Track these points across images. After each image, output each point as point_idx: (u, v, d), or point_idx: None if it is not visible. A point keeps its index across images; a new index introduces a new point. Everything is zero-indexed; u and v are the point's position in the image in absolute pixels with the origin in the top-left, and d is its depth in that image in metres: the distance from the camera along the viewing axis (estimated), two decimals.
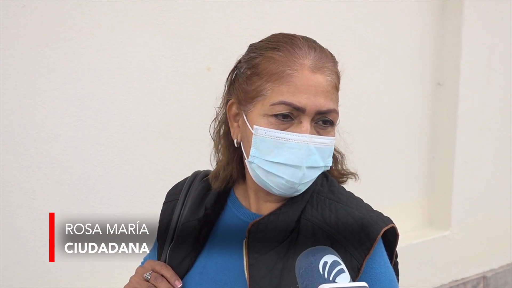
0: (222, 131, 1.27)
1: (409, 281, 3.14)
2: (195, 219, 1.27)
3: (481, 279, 3.69)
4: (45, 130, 2.13)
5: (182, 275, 1.25)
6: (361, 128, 3.06)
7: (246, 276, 1.14)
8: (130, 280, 1.28)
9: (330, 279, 0.91)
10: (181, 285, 1.23)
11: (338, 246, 1.10)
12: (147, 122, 2.35)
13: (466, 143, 3.45)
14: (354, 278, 1.09)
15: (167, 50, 2.36)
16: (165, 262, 1.29)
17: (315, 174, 1.16)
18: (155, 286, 1.23)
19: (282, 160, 1.12)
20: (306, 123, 1.11)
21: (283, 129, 1.12)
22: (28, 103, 2.09)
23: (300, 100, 1.10)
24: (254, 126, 1.14)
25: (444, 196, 3.49)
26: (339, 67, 1.20)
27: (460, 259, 3.56)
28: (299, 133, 1.11)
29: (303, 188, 1.16)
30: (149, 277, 1.25)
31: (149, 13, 2.30)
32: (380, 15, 3.08)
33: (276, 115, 1.12)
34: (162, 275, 1.24)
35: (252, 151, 1.15)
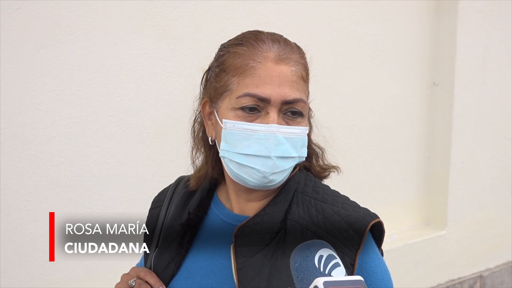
0: (201, 132, 1.29)
1: (406, 281, 3.14)
2: (178, 224, 1.27)
3: (478, 279, 3.70)
4: (40, 132, 2.13)
5: (167, 281, 1.25)
6: (356, 128, 3.06)
7: (235, 280, 1.14)
8: (115, 287, 1.28)
9: (326, 272, 0.91)
10: None
11: None
12: (143, 123, 2.35)
13: (462, 143, 3.46)
14: (349, 275, 1.07)
15: (162, 51, 2.36)
16: (150, 268, 1.29)
17: (288, 164, 1.16)
18: None
19: (251, 152, 1.13)
20: (273, 114, 1.12)
21: (251, 121, 1.13)
22: (23, 105, 2.09)
23: (264, 91, 1.12)
24: (223, 120, 1.15)
25: (440, 196, 3.49)
26: (308, 59, 1.21)
27: (457, 258, 3.57)
28: (266, 123, 1.12)
29: (277, 178, 1.15)
30: (134, 284, 1.25)
31: (144, 15, 2.30)
32: (375, 15, 3.08)
33: (243, 108, 1.13)
34: (146, 282, 1.24)
35: (222, 145, 1.16)
